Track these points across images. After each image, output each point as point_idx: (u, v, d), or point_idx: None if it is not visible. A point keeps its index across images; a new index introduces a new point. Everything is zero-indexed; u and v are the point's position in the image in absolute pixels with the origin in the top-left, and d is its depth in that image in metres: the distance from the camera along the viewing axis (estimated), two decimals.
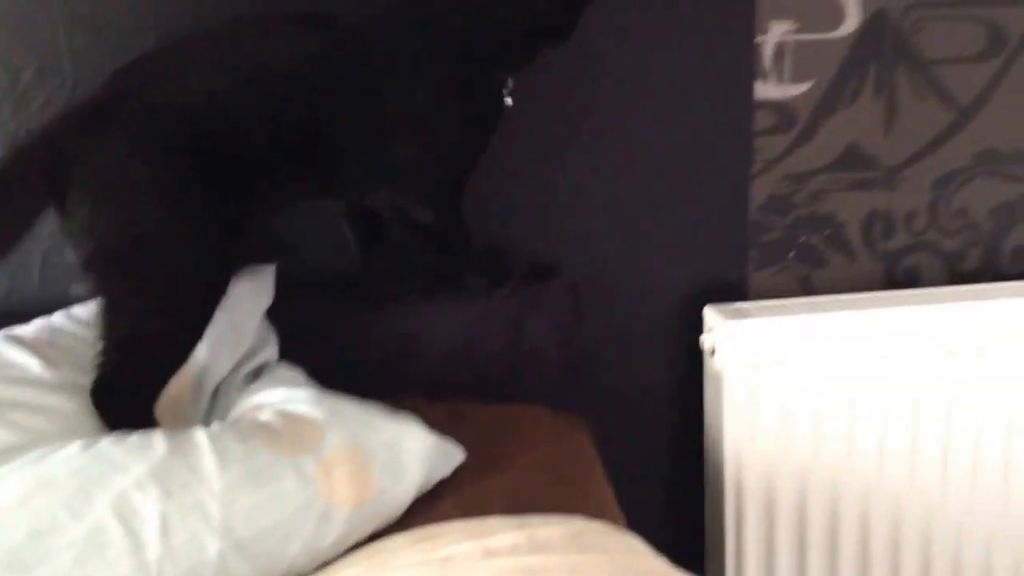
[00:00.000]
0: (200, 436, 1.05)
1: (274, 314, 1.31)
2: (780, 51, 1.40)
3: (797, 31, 1.40)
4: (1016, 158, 1.49)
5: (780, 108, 1.42)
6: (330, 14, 1.20)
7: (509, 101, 1.24)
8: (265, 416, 1.10)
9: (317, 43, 1.17)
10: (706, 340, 1.40)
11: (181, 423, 1.16)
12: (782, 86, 1.42)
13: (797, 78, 1.42)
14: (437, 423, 1.18)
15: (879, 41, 1.42)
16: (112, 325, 1.10)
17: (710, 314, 1.41)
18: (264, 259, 1.29)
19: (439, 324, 1.37)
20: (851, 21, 1.40)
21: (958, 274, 1.52)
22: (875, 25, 1.41)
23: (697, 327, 1.42)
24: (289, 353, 1.30)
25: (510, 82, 1.23)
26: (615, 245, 1.44)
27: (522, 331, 1.36)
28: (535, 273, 1.37)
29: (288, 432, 1.07)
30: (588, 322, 1.41)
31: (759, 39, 1.39)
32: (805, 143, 1.44)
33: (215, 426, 1.09)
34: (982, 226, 1.51)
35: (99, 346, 1.11)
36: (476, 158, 1.25)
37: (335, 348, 1.33)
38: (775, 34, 1.39)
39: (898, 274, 1.51)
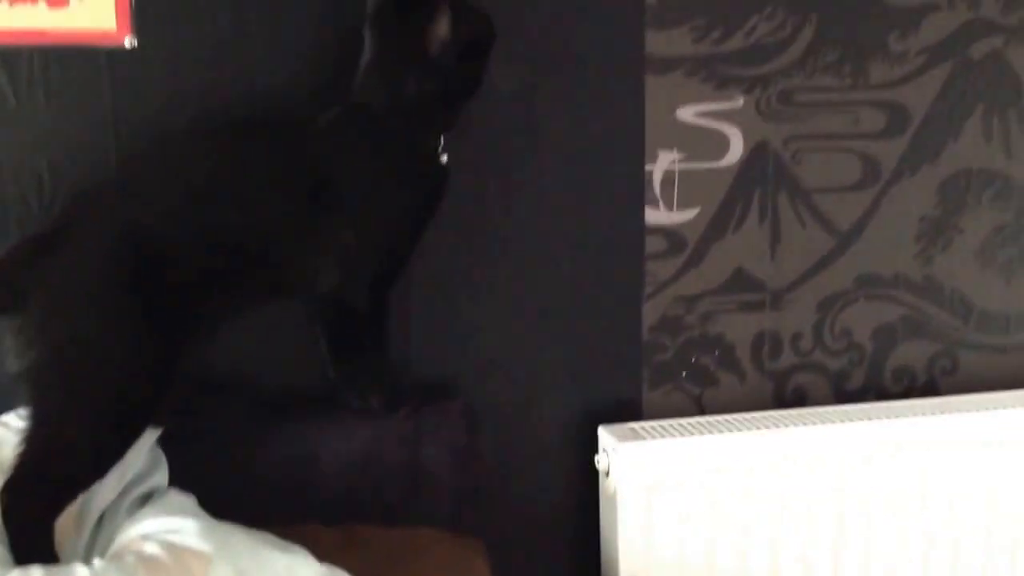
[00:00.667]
0: (81, 574, 1.02)
1: (166, 437, 1.28)
2: (669, 179, 1.46)
3: (684, 160, 1.46)
4: (894, 282, 1.55)
5: (670, 233, 1.47)
6: (270, 119, 1.27)
7: (444, 158, 1.28)
8: (151, 548, 1.07)
9: (262, 151, 1.21)
10: (600, 461, 1.42)
11: (64, 551, 1.12)
12: (671, 212, 1.47)
13: (685, 205, 1.47)
14: (333, 548, 1.17)
15: (762, 170, 1.49)
16: (36, 431, 1.10)
17: (604, 435, 1.42)
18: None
19: (337, 444, 1.36)
20: (735, 151, 1.47)
21: (843, 393, 1.57)
22: (758, 155, 1.48)
23: (592, 447, 1.44)
24: (181, 476, 1.27)
25: (442, 140, 1.27)
26: (511, 365, 1.46)
27: (418, 452, 1.36)
28: (429, 396, 1.37)
29: (174, 566, 1.04)
30: (484, 443, 1.41)
31: (649, 167, 1.45)
32: (695, 267, 1.49)
33: (97, 563, 1.05)
34: (865, 346, 1.57)
35: (19, 449, 1.10)
36: (422, 232, 1.29)
37: (231, 469, 1.31)
38: (664, 162, 1.45)
39: (786, 393, 1.55)
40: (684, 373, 1.51)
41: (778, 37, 1.46)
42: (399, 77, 1.23)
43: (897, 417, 1.48)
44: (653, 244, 1.47)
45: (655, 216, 1.46)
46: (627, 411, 1.49)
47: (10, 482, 1.09)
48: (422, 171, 1.27)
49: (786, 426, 1.46)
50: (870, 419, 1.48)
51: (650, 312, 1.49)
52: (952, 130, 1.54)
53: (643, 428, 1.44)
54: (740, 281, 1.51)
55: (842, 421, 1.47)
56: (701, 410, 1.52)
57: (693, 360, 1.51)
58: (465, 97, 1.27)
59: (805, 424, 1.46)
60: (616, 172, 1.44)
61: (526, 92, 1.38)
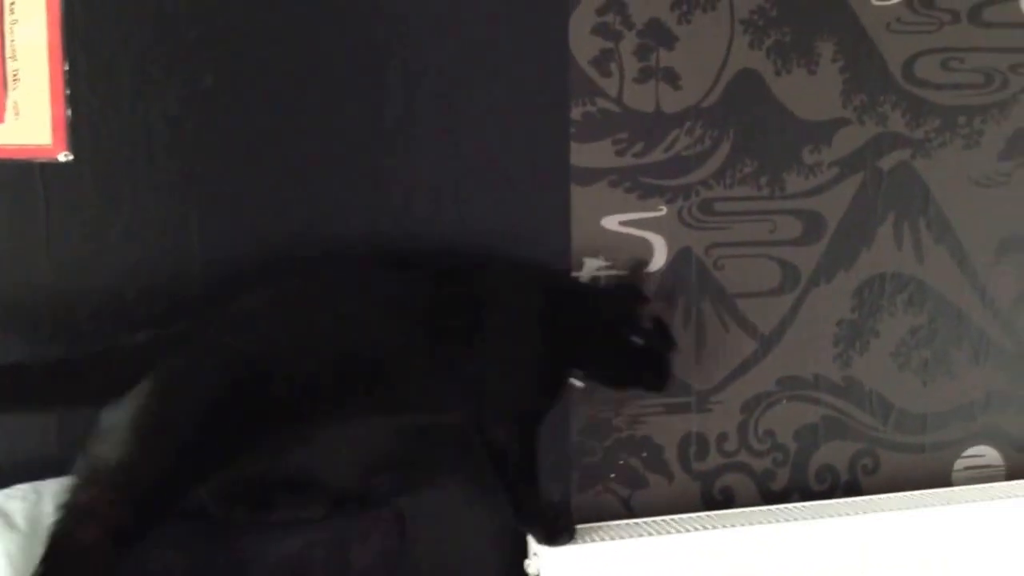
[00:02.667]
0: None
1: None
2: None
3: (609, 267, 1.50)
4: (814, 383, 1.60)
5: None
6: (407, 258, 1.38)
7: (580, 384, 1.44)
8: None
9: (403, 287, 1.32)
10: (530, 565, 1.43)
11: None
12: None
13: None
14: None
15: (686, 276, 1.54)
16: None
17: (534, 538, 1.44)
18: None
19: (267, 550, 1.35)
20: (659, 258, 1.52)
21: (769, 492, 1.60)
22: (681, 262, 1.53)
23: (522, 551, 1.45)
24: None
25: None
26: (444, 469, 1.47)
27: (348, 557, 1.36)
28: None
29: None
30: (414, 547, 1.41)
31: (575, 275, 1.49)
32: None
33: None
34: (788, 447, 1.60)
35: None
36: (557, 379, 1.39)
37: None
38: (589, 270, 1.49)
39: (714, 494, 1.58)
40: (613, 475, 1.53)
41: (698, 150, 1.52)
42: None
43: (821, 517, 1.51)
44: None
45: None
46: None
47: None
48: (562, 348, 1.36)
49: (714, 527, 1.48)
50: (795, 520, 1.51)
51: (578, 414, 1.51)
52: (865, 237, 1.60)
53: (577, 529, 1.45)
54: None
55: (768, 522, 1.50)
56: (630, 512, 1.54)
57: (621, 462, 1.54)
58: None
59: (732, 525, 1.49)
60: (541, 279, 1.47)
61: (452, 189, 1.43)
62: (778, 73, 1.54)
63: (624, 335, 1.39)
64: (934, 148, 1.62)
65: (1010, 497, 1.59)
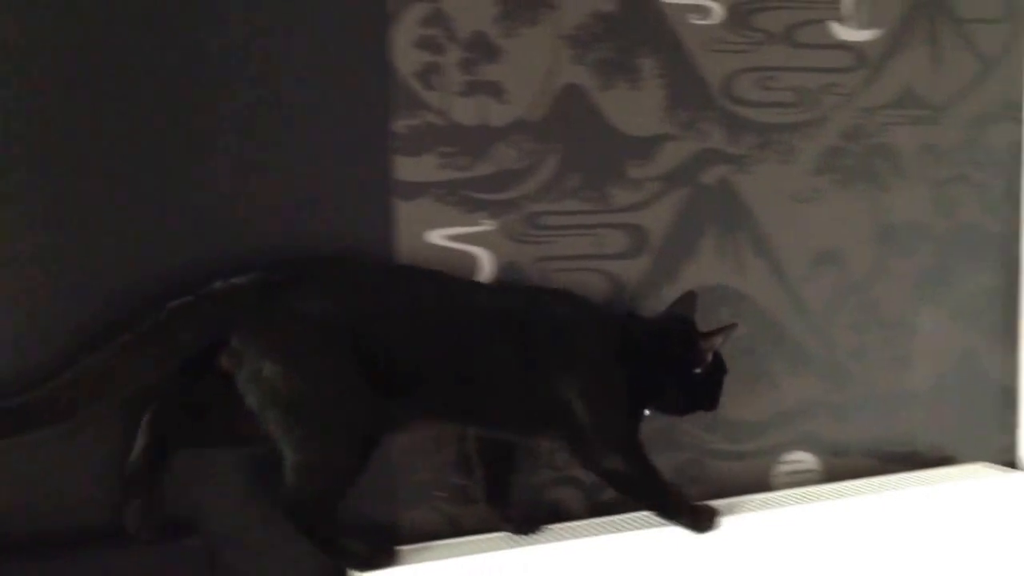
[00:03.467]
0: None
1: None
2: None
3: None
4: None
5: None
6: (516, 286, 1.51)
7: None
8: None
9: (508, 301, 1.43)
10: None
11: None
12: None
13: None
14: None
15: None
16: (299, 459, 1.29)
17: None
18: None
19: None
20: (485, 273, 1.51)
21: (598, 505, 1.61)
22: (508, 277, 1.53)
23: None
24: None
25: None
26: (257, 497, 1.41)
27: None
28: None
29: None
30: None
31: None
32: None
33: None
34: None
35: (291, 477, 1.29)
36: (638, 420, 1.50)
37: None
38: None
39: (543, 508, 1.58)
40: (440, 493, 1.52)
41: (524, 164, 1.53)
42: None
43: (648, 527, 1.53)
44: None
45: None
46: (383, 532, 1.47)
47: (297, 504, 1.29)
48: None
49: (544, 542, 1.48)
50: (624, 531, 1.52)
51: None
52: (689, 250, 1.63)
53: (401, 551, 1.43)
54: None
55: (596, 534, 1.51)
56: (458, 531, 1.52)
57: (450, 480, 1.52)
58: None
59: (561, 539, 1.49)
60: None
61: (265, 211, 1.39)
62: (603, 89, 1.56)
63: (690, 369, 1.49)
64: (752, 164, 1.66)
65: (826, 499, 1.65)
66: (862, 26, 1.71)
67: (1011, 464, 1.88)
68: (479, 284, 1.49)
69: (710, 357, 1.50)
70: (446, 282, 1.42)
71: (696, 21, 1.61)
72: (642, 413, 1.51)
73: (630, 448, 1.47)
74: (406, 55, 1.45)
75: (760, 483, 1.71)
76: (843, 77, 1.71)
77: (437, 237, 1.49)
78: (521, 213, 1.53)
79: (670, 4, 1.59)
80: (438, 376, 1.37)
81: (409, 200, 1.47)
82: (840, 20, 1.70)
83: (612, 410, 1.46)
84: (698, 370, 1.50)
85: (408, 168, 1.46)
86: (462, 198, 1.49)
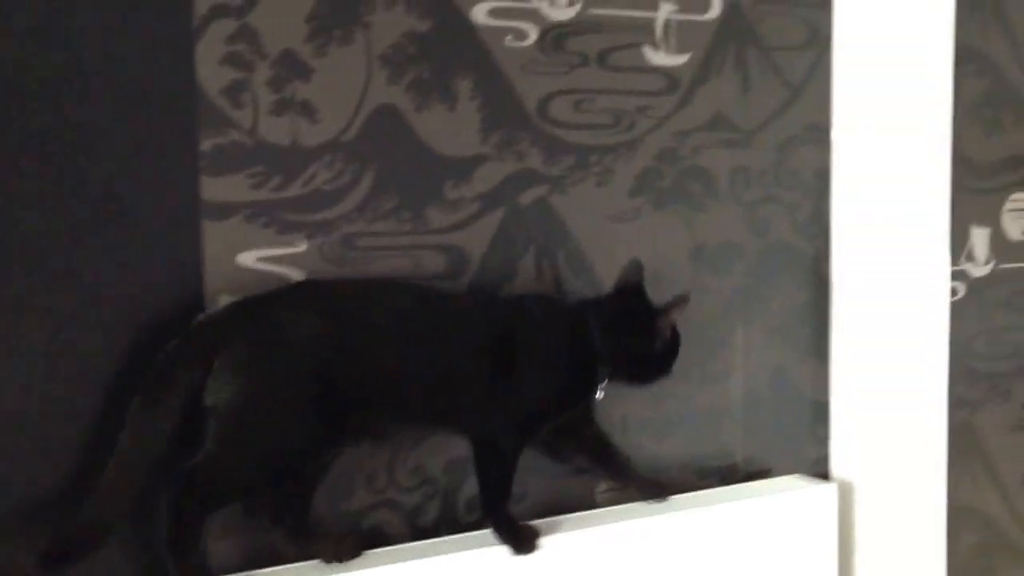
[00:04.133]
0: None
1: None
2: None
3: None
4: None
5: None
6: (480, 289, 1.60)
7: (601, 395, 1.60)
8: None
9: (474, 306, 1.52)
10: None
11: None
12: None
13: None
14: None
15: None
16: (215, 453, 1.32)
17: None
18: None
19: None
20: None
21: (419, 528, 1.59)
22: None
23: None
24: None
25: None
26: None
27: None
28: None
29: None
30: None
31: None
32: None
33: None
34: (439, 480, 1.61)
35: (199, 460, 1.31)
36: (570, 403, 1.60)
37: None
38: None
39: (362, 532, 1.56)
40: (255, 522, 1.47)
41: (338, 184, 1.51)
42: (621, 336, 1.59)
43: (470, 548, 1.52)
44: None
45: None
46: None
47: (185, 481, 1.30)
48: (587, 360, 1.57)
49: (363, 568, 1.45)
50: (444, 553, 1.51)
51: None
52: (507, 271, 1.64)
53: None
54: None
55: (418, 557, 1.49)
56: (272, 561, 1.48)
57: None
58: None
59: (381, 564, 1.47)
60: (169, 322, 1.40)
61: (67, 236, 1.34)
62: (418, 109, 1.56)
63: (651, 346, 1.61)
64: (570, 185, 1.68)
65: (647, 515, 1.68)
66: (674, 51, 1.76)
67: (824, 475, 1.95)
68: (450, 292, 1.57)
69: (669, 333, 1.62)
70: (420, 292, 1.49)
71: (512, 43, 1.62)
72: (594, 396, 1.61)
73: (521, 434, 1.54)
74: (213, 72, 1.41)
75: (583, 501, 1.72)
76: (657, 101, 1.75)
77: (249, 259, 1.45)
78: (336, 234, 1.51)
79: (485, 26, 1.60)
80: (412, 384, 1.43)
81: (218, 221, 1.43)
82: (653, 45, 1.74)
83: (541, 400, 1.54)
84: (661, 345, 1.61)
85: (216, 188, 1.43)
86: (274, 219, 1.46)
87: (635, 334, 1.60)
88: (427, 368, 1.44)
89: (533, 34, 1.64)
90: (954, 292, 2.04)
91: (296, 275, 1.48)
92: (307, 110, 1.48)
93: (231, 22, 1.42)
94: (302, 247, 1.49)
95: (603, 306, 1.61)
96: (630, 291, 1.63)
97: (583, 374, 1.58)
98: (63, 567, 1.25)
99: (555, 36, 1.66)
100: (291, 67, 1.46)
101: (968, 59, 2.01)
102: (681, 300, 1.60)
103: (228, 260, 1.44)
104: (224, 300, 1.43)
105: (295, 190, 1.48)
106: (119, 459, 1.28)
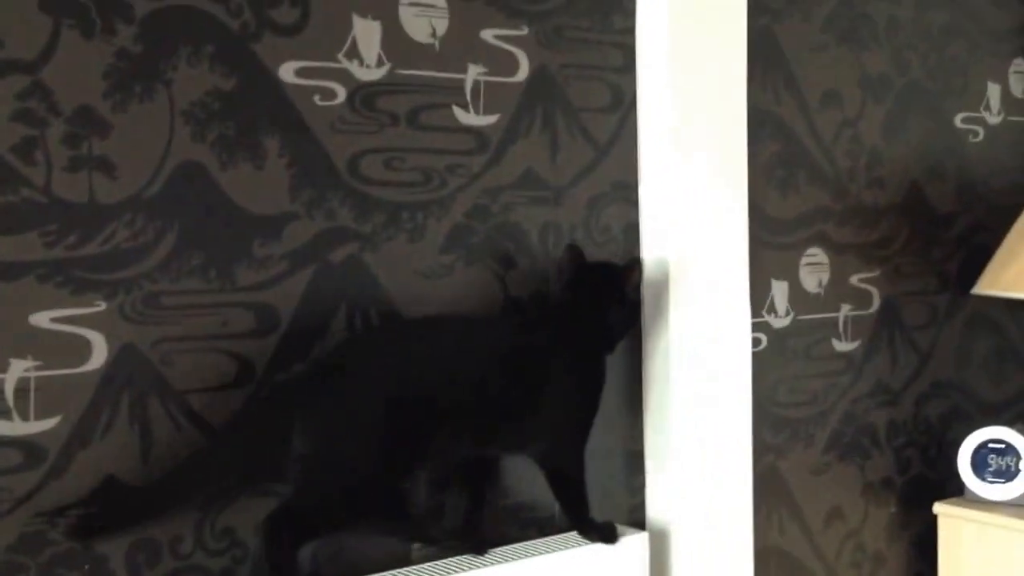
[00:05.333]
0: None
1: None
2: (24, 388, 1.39)
3: (41, 368, 1.40)
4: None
5: (26, 445, 1.39)
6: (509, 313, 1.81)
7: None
8: None
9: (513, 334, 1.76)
10: None
11: None
12: (28, 423, 1.40)
13: (44, 414, 1.41)
14: None
15: (130, 374, 1.47)
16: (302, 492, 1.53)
17: None
18: None
19: None
20: (99, 356, 1.44)
21: None
22: (124, 359, 1.46)
23: None
24: None
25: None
26: None
27: None
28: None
29: None
30: None
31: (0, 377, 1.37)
32: (57, 478, 1.42)
33: None
34: (248, 543, 1.57)
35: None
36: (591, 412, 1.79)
37: None
38: (17, 371, 1.38)
39: None
40: None
41: (140, 242, 1.48)
42: (603, 310, 1.78)
43: None
44: (6, 458, 1.38)
45: (20, 428, 1.39)
46: None
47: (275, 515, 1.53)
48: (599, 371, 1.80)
49: None
50: None
51: (6, 531, 1.38)
52: (319, 329, 1.64)
53: None
54: (111, 490, 1.46)
55: None
56: None
57: None
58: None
59: None
60: None
61: None
62: (224, 167, 1.55)
63: (625, 308, 1.82)
64: (382, 242, 1.70)
65: (466, 570, 1.68)
66: (483, 112, 1.80)
67: (641, 524, 1.99)
68: (493, 319, 1.79)
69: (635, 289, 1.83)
70: (468, 322, 1.74)
71: (321, 102, 1.63)
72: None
73: (583, 446, 1.78)
74: (3, 129, 1.37)
75: (399, 559, 1.71)
76: (467, 159, 1.79)
77: (43, 320, 1.40)
78: (137, 293, 1.48)
79: (293, 85, 1.61)
80: (470, 408, 1.61)
81: (10, 281, 1.38)
82: (463, 105, 1.78)
83: (587, 415, 1.78)
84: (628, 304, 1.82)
85: (7, 247, 1.38)
86: (70, 278, 1.42)
87: (614, 305, 1.78)
88: (491, 395, 1.64)
89: (342, 93, 1.66)
90: (757, 342, 2.14)
91: (95, 336, 1.44)
92: (105, 167, 1.45)
93: (22, 78, 1.38)
94: (101, 306, 1.45)
95: (582, 295, 1.76)
96: (587, 269, 1.78)
97: (600, 365, 1.79)
98: None
99: (364, 95, 1.68)
100: (88, 123, 1.43)
101: (762, 122, 2.13)
102: (634, 261, 1.83)
103: (20, 321, 1.39)
104: (16, 364, 1.38)
105: (93, 248, 1.44)
106: (191, 458, 1.50)
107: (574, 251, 1.78)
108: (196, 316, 1.53)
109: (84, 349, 1.44)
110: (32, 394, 1.40)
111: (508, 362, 1.68)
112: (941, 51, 2.45)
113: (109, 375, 1.45)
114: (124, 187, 1.46)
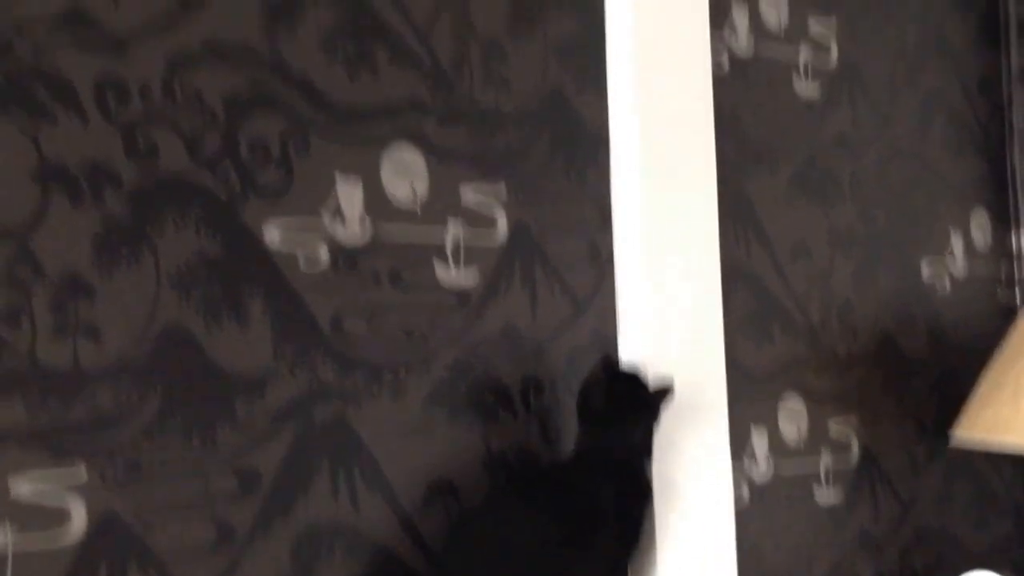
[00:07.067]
0: None
1: None
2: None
3: (20, 530, 1.37)
4: None
5: None
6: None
7: None
8: None
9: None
10: None
11: None
12: None
13: None
14: None
15: (111, 542, 1.44)
16: None
17: None
18: None
19: None
20: (78, 525, 1.42)
21: None
22: (106, 527, 1.44)
23: None
24: None
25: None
26: None
27: None
28: None
29: None
30: None
31: None
32: None
33: None
34: None
35: None
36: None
37: None
38: None
39: None
40: None
41: (122, 408, 1.47)
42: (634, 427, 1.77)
43: None
44: None
45: None
46: None
47: None
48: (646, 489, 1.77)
49: None
50: None
51: None
52: (301, 488, 1.62)
53: None
54: None
55: None
56: None
57: None
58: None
59: None
60: None
61: None
62: (208, 328, 1.55)
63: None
64: (363, 399, 1.70)
65: None
66: (464, 270, 1.83)
67: None
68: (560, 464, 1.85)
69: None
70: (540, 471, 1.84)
71: (305, 263, 1.66)
72: None
73: None
74: None
75: None
76: (449, 316, 1.81)
77: (22, 487, 1.38)
78: (119, 459, 1.46)
79: (278, 247, 1.63)
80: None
81: None
82: (444, 264, 1.81)
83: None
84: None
85: None
86: (50, 445, 1.41)
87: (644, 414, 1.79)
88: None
89: (325, 254, 1.68)
90: (739, 497, 2.13)
91: (76, 503, 1.42)
92: (90, 332, 1.45)
93: (11, 244, 1.40)
94: (81, 472, 1.43)
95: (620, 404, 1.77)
96: (621, 379, 1.79)
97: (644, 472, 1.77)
98: None
99: (347, 255, 1.70)
100: (74, 288, 1.44)
101: (735, 275, 2.18)
102: (668, 386, 1.79)
103: None
104: None
105: (75, 414, 1.43)
106: None
107: (607, 361, 1.81)
108: (179, 480, 1.51)
109: (63, 518, 1.41)
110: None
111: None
112: (904, 205, 2.54)
113: (89, 545, 1.42)
114: (108, 353, 1.46)
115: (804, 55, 2.37)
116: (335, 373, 1.67)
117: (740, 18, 2.26)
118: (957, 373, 2.54)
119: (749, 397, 2.18)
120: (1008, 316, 2.66)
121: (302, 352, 1.64)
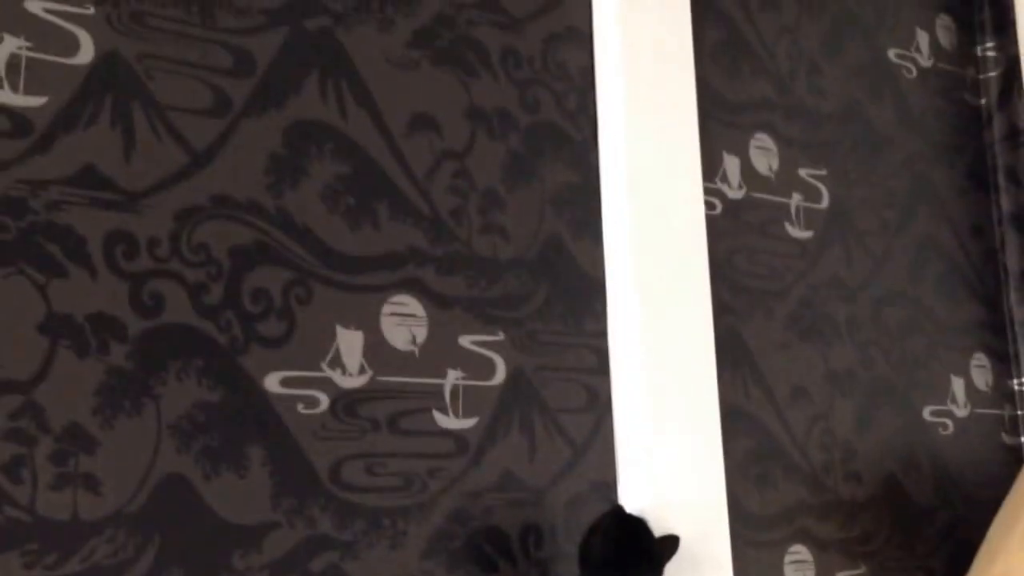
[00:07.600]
0: None
1: None
2: None
3: None
4: None
5: None
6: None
7: None
8: None
9: None
10: None
11: None
12: None
13: None
14: None
15: None
16: None
17: None
18: None
19: None
20: None
21: None
22: None
23: None
24: None
25: None
26: None
27: None
28: None
29: None
30: None
31: None
32: None
33: None
34: None
35: None
36: None
37: None
38: None
39: None
40: None
41: (119, 559, 1.47)
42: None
43: None
44: None
45: None
46: None
47: None
48: None
49: None
50: None
51: None
52: None
53: None
54: None
55: None
56: None
57: None
58: None
59: None
60: None
61: None
62: (207, 477, 1.56)
63: None
64: (361, 549, 1.69)
65: None
66: (462, 415, 1.85)
67: None
68: None
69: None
70: None
71: (304, 410, 1.68)
72: None
73: None
74: None
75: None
76: (448, 462, 1.81)
77: None
78: None
79: (278, 394, 1.65)
80: None
81: None
82: (442, 410, 1.83)
83: None
84: None
85: None
86: None
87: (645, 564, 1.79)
88: None
89: (325, 401, 1.70)
90: None
91: None
92: (90, 483, 1.46)
93: (16, 398, 1.42)
94: None
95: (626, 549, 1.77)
96: (628, 522, 1.80)
97: None
98: None
99: (346, 403, 1.72)
100: (76, 440, 1.46)
101: (734, 418, 2.19)
102: (674, 537, 1.82)
103: None
104: None
105: (72, 567, 1.43)
106: None
107: (615, 509, 1.81)
108: None
109: None
110: None
111: None
112: (903, 347, 2.56)
113: None
114: (107, 504, 1.47)
115: (796, 200, 2.43)
116: (333, 523, 1.67)
117: (732, 167, 2.32)
118: (964, 520, 2.52)
119: (755, 545, 2.16)
120: (1014, 458, 2.65)
121: (300, 501, 1.64)
